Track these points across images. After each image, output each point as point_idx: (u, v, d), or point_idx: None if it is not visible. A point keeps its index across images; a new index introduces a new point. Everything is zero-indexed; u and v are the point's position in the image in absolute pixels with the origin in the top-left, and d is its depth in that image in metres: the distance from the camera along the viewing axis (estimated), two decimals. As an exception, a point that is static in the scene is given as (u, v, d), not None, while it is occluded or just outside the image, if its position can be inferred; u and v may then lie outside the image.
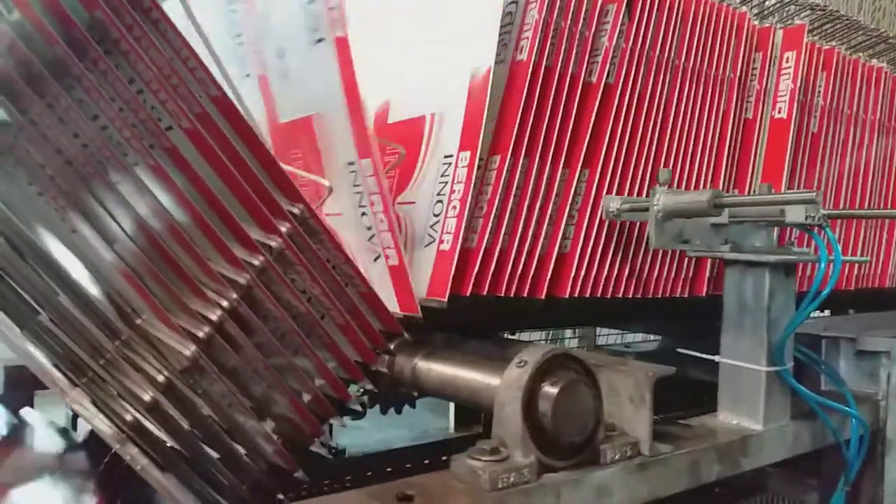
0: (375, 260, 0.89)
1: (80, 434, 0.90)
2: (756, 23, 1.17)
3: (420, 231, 0.93)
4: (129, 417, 0.70)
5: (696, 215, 0.84)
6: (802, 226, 0.82)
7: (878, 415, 1.05)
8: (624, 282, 1.00)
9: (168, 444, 0.71)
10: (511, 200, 0.89)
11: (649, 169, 1.02)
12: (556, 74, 0.91)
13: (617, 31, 0.96)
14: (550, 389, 0.64)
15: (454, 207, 0.88)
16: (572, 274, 0.93)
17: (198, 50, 0.75)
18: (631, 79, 0.99)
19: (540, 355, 0.65)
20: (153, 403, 0.69)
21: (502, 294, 0.88)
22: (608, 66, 0.96)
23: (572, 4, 0.92)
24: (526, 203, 0.90)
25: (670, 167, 1.04)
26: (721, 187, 1.11)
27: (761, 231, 0.93)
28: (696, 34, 1.06)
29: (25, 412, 0.97)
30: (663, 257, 1.04)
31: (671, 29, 1.02)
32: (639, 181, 1.00)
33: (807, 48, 1.18)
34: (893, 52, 1.50)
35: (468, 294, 0.87)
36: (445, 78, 0.93)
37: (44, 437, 0.93)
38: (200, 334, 0.70)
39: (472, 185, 0.86)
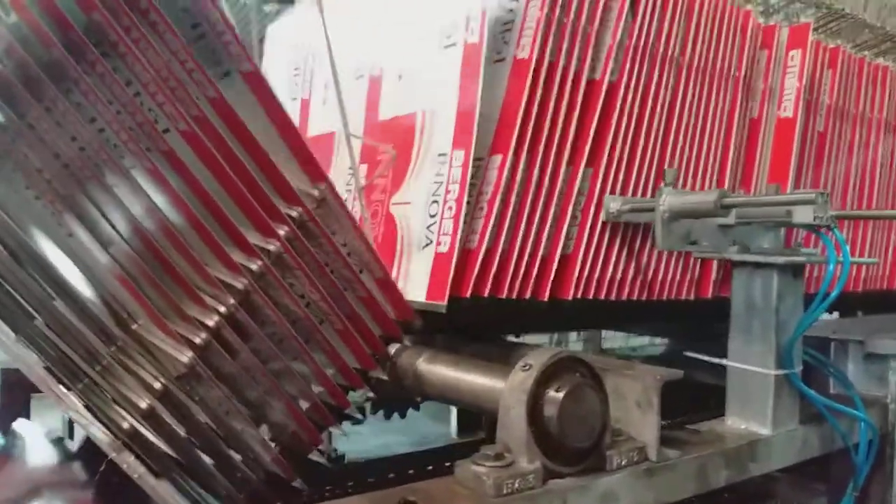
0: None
1: (76, 442, 0.90)
2: (761, 21, 1.18)
3: (417, 232, 0.93)
4: (125, 424, 0.70)
5: (703, 216, 0.84)
6: (810, 227, 0.83)
7: (888, 418, 1.05)
8: (629, 283, 1.00)
9: (164, 452, 0.71)
10: (513, 200, 0.89)
11: (654, 168, 1.02)
12: (559, 72, 0.91)
13: (620, 28, 0.96)
14: (556, 394, 0.65)
15: (450, 208, 0.89)
16: (576, 275, 0.93)
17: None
18: (635, 76, 0.99)
19: (545, 359, 0.65)
20: (149, 410, 0.69)
21: (504, 296, 0.89)
22: (611, 63, 0.96)
23: (575, 1, 0.92)
24: (528, 203, 0.90)
25: (675, 166, 1.04)
26: (726, 187, 1.12)
27: (769, 232, 0.94)
28: (701, 32, 1.06)
29: (19, 424, 0.97)
30: (669, 258, 1.04)
31: (675, 26, 1.02)
32: (643, 180, 1.00)
33: (812, 46, 1.18)
34: (900, 50, 1.51)
35: (469, 296, 0.87)
36: (435, 75, 0.95)
37: (38, 449, 0.93)
38: (197, 340, 0.70)
39: (469, 184, 0.86)
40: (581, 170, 0.94)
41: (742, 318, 0.89)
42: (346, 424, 0.85)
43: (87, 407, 0.75)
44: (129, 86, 0.67)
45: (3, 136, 0.64)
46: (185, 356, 0.69)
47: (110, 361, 0.70)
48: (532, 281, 0.90)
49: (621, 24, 0.96)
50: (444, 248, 0.90)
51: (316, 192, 0.76)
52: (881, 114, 1.37)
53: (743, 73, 1.13)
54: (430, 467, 0.99)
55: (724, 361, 0.89)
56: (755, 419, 0.87)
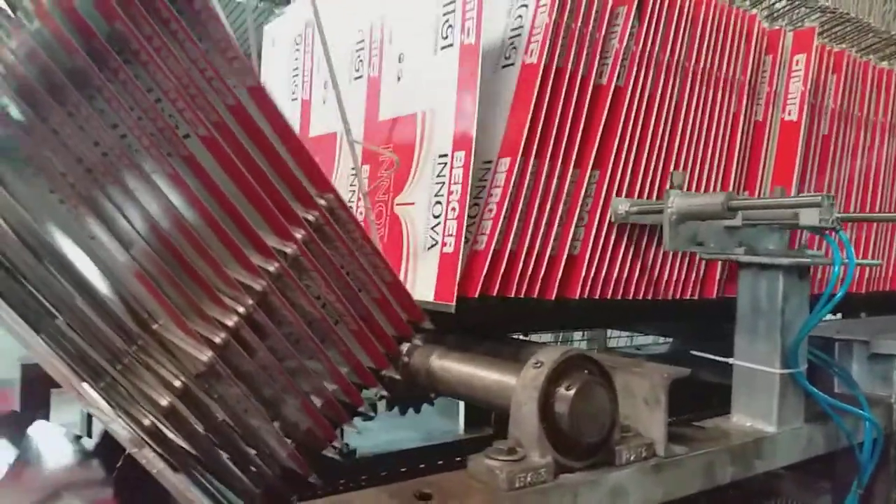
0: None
1: (94, 439, 0.92)
2: (766, 25, 1.20)
3: (422, 233, 0.96)
4: (146, 422, 0.73)
5: (710, 218, 0.86)
6: (816, 229, 0.85)
7: (892, 417, 1.07)
8: (634, 283, 1.02)
9: (184, 448, 0.73)
10: (521, 202, 0.91)
11: (660, 171, 1.04)
12: (567, 76, 0.94)
13: (627, 34, 0.98)
14: (567, 390, 0.67)
15: (454, 209, 0.91)
16: (582, 275, 0.96)
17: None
18: (641, 81, 1.01)
19: (556, 356, 0.67)
20: (170, 408, 0.72)
21: (512, 295, 0.91)
22: (618, 68, 0.98)
23: (582, 7, 0.94)
24: (536, 204, 0.93)
25: (681, 169, 1.06)
26: (731, 190, 1.14)
27: (774, 234, 0.96)
28: (706, 36, 1.09)
29: (37, 427, 0.99)
30: (674, 259, 1.07)
31: (681, 31, 1.05)
32: (649, 183, 1.02)
33: (817, 51, 1.21)
34: (904, 54, 1.53)
35: (477, 296, 0.89)
36: (433, 76, 0.97)
37: (57, 450, 0.95)
38: (217, 340, 0.72)
39: (471, 185, 0.89)
40: (588, 172, 0.96)
41: (748, 317, 0.92)
42: (358, 421, 0.87)
43: (108, 405, 0.78)
44: (151, 92, 0.69)
45: (27, 140, 0.67)
46: (205, 355, 0.72)
47: (131, 360, 0.73)
48: (539, 281, 0.93)
49: (628, 29, 0.98)
50: (449, 249, 0.92)
51: (323, 202, 0.78)
52: (885, 117, 1.40)
53: (748, 77, 1.16)
54: (440, 462, 1.02)
55: (730, 360, 0.92)
56: (761, 417, 0.89)
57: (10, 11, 0.68)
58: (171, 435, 0.73)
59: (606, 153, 0.98)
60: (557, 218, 0.94)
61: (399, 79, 1.09)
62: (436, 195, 0.96)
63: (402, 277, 0.96)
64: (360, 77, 1.17)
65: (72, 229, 0.70)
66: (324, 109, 1.29)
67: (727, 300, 1.10)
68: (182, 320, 0.71)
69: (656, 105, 1.04)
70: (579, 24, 0.94)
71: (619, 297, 1.00)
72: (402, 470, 0.99)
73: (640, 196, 1.01)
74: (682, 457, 0.76)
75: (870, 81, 1.35)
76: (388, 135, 1.09)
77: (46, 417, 0.99)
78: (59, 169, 0.68)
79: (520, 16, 0.97)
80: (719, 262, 1.10)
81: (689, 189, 1.08)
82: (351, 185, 1.16)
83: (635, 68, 1.00)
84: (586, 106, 0.96)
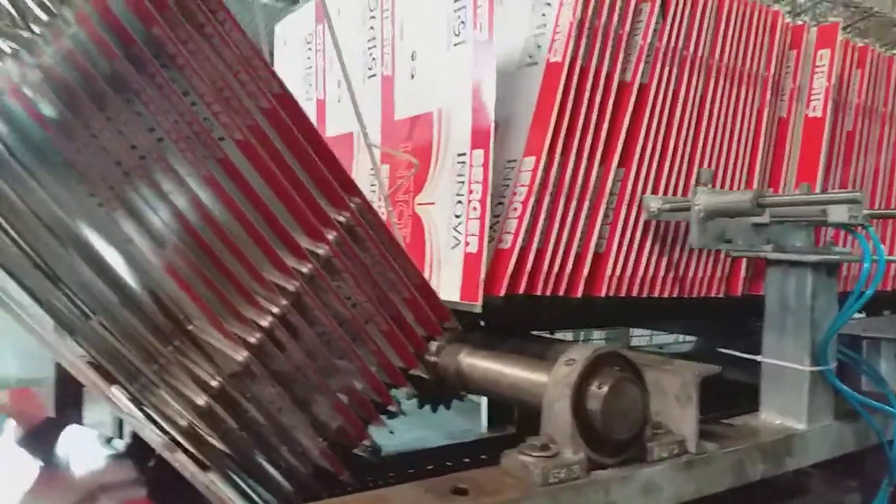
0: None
1: (125, 439, 0.95)
2: (790, 20, 1.21)
3: (444, 233, 0.97)
4: (182, 422, 0.75)
5: (738, 215, 0.87)
6: (845, 226, 0.86)
7: (921, 415, 1.07)
8: (660, 281, 1.03)
9: (220, 448, 0.75)
10: (546, 201, 0.93)
11: (684, 168, 1.05)
12: (591, 74, 0.95)
13: (651, 30, 0.99)
14: (599, 388, 0.68)
15: (475, 209, 0.93)
16: (608, 273, 0.97)
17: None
18: (665, 77, 1.02)
19: (588, 354, 0.69)
20: (206, 408, 0.74)
21: (538, 293, 0.92)
22: (642, 65, 0.99)
23: (606, 4, 0.95)
24: (561, 202, 0.94)
25: (705, 166, 1.07)
26: (755, 186, 1.15)
27: (801, 231, 0.97)
28: (730, 32, 1.10)
29: (69, 429, 1.01)
30: (700, 257, 1.08)
31: (705, 27, 1.06)
32: (674, 180, 1.04)
33: (841, 46, 1.21)
34: (928, 47, 1.52)
35: (502, 294, 0.90)
36: (447, 74, 0.99)
37: (88, 453, 0.97)
38: (252, 340, 0.74)
39: (494, 184, 0.90)
40: (613, 170, 0.97)
41: (776, 315, 0.93)
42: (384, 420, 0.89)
43: (142, 406, 0.80)
44: (187, 96, 0.71)
45: (68, 144, 0.69)
46: (241, 355, 0.74)
47: (167, 361, 0.75)
48: (565, 279, 0.94)
49: (652, 26, 0.99)
50: (472, 249, 0.93)
51: (353, 204, 0.80)
52: (910, 112, 1.40)
53: (772, 73, 1.17)
54: (466, 460, 1.03)
55: (759, 358, 0.93)
56: (790, 414, 0.90)
57: (49, 17, 0.70)
58: (206, 435, 0.75)
59: (631, 150, 0.99)
60: (583, 216, 0.95)
61: (413, 77, 1.10)
62: (456, 195, 0.97)
63: (426, 277, 0.97)
64: (373, 76, 1.18)
65: (109, 232, 0.72)
66: (339, 109, 1.31)
67: (753, 298, 1.11)
68: (218, 321, 0.73)
69: (681, 101, 1.05)
70: (603, 21, 0.95)
71: (645, 296, 1.01)
72: (429, 468, 1.00)
73: (665, 193, 1.02)
74: (713, 453, 0.77)
75: (894, 76, 1.35)
76: (404, 134, 1.10)
77: (79, 417, 1.01)
78: (98, 172, 0.70)
79: (543, 14, 0.98)
80: (744, 260, 1.11)
81: (712, 186, 1.09)
82: (371, 186, 1.18)
83: (659, 65, 1.01)
84: (611, 103, 0.97)
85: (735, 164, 1.13)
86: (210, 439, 0.75)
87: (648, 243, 1.01)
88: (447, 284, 0.97)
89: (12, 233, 0.73)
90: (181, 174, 0.71)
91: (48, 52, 0.69)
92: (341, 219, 0.80)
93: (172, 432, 0.77)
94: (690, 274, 1.08)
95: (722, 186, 1.11)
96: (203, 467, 0.77)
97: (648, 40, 1.00)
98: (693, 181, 1.03)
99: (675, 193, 1.04)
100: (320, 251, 0.78)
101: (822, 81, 1.18)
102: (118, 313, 0.73)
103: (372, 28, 1.19)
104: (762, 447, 0.83)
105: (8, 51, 0.69)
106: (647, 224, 1.00)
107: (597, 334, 2.03)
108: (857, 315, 1.33)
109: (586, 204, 0.96)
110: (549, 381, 0.70)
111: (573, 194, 0.95)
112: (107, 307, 0.74)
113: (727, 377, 0.99)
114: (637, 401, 0.71)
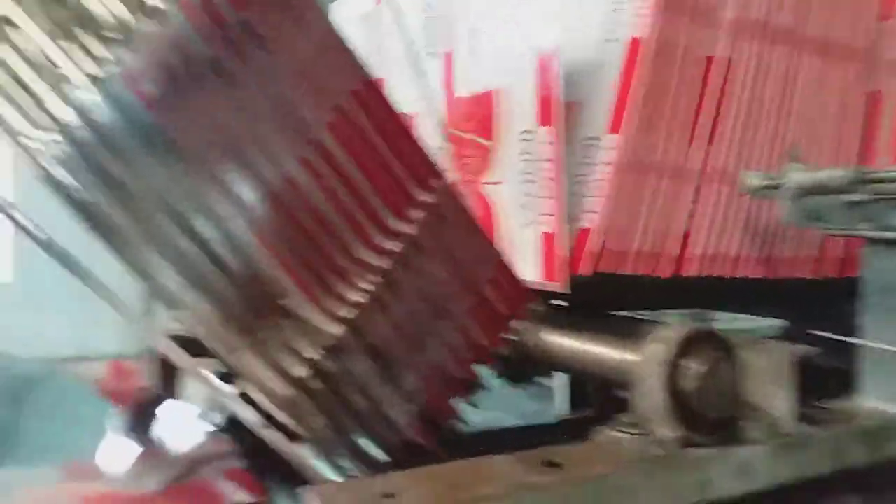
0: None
1: (221, 414, 0.99)
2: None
3: (514, 213, 0.98)
4: (281, 393, 0.78)
5: (835, 192, 0.84)
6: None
7: None
8: (749, 261, 1.01)
9: (317, 421, 0.78)
10: (630, 178, 0.92)
11: (773, 144, 1.02)
12: (676, 49, 0.93)
13: (737, 3, 0.97)
14: (693, 365, 0.68)
15: (547, 188, 0.92)
16: (696, 252, 0.96)
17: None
18: (751, 51, 1.00)
19: (681, 331, 0.68)
20: (302, 381, 0.77)
21: (622, 273, 0.92)
22: (728, 39, 0.97)
23: (690, -24, 0.93)
24: (647, 181, 0.93)
25: (793, 141, 1.04)
26: (846, 162, 1.10)
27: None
28: (820, 2, 1.05)
29: (166, 404, 1.06)
30: (792, 236, 1.05)
31: (792, -2, 1.02)
32: (763, 156, 1.01)
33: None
34: None
35: (586, 274, 0.90)
36: (510, 50, 0.98)
37: (186, 427, 1.02)
38: (346, 315, 0.77)
39: (571, 162, 0.90)
40: (699, 147, 0.96)
41: (876, 296, 0.89)
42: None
43: (238, 380, 0.85)
44: (279, 79, 0.74)
45: (172, 126, 0.73)
46: (335, 329, 0.77)
47: (265, 335, 0.78)
48: (651, 258, 0.93)
49: (738, -1, 0.97)
50: (548, 229, 0.94)
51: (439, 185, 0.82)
52: None
53: (863, 45, 1.11)
54: (546, 440, 1.04)
55: (858, 341, 0.89)
56: (891, 399, 0.87)
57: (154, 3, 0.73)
58: (303, 406, 0.78)
59: (718, 126, 0.97)
60: (669, 194, 0.94)
61: (472, 54, 1.10)
62: (524, 173, 0.97)
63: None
64: (432, 53, 1.19)
65: (209, 211, 0.76)
66: (402, 89, 1.29)
67: (844, 279, 1.07)
68: (313, 296, 0.76)
69: (768, 76, 1.02)
70: (688, -7, 0.93)
71: (733, 276, 0.99)
72: (511, 447, 1.01)
73: (752, 170, 1.00)
74: (811, 436, 0.75)
75: None
76: (466, 112, 1.11)
77: (176, 392, 1.07)
78: (199, 153, 0.74)
79: (624, -11, 0.97)
80: (838, 240, 1.07)
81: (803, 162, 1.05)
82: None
83: (746, 39, 0.99)
84: (696, 79, 0.95)
85: (824, 139, 1.09)
86: (306, 411, 0.79)
87: (738, 221, 0.99)
88: (523, 264, 0.97)
89: (121, 212, 0.78)
90: (276, 155, 0.74)
91: (153, 38, 0.72)
92: (427, 199, 0.82)
93: (269, 405, 0.81)
94: (779, 254, 1.05)
95: (811, 163, 1.07)
96: (296, 439, 0.81)
97: (734, 13, 0.97)
98: (782, 158, 1.00)
99: (763, 170, 1.01)
100: (408, 230, 0.80)
101: (921, 52, 1.12)
102: (218, 289, 0.77)
103: (430, 5, 1.20)
104: (864, 430, 0.80)
105: (116, 37, 0.73)
106: (737, 202, 0.98)
107: (672, 318, 1.99)
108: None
109: (672, 181, 0.94)
110: (640, 358, 0.70)
111: (658, 172, 0.94)
112: (206, 283, 0.77)
113: (816, 361, 0.97)
114: (731, 380, 0.70)
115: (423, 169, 0.81)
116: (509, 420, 1.59)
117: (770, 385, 0.74)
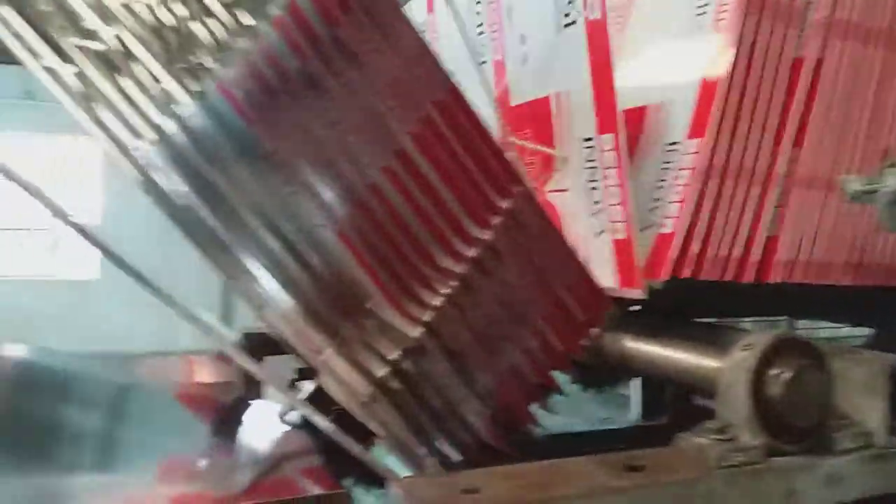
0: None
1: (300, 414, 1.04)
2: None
3: (585, 220, 0.99)
4: (362, 393, 0.83)
5: (934, 196, 0.82)
6: None
7: None
8: (838, 268, 0.99)
9: (396, 420, 0.82)
10: (712, 183, 0.92)
11: (866, 147, 1.00)
12: (763, 50, 0.93)
13: (826, 3, 0.96)
14: (779, 373, 0.68)
15: (613, 195, 0.93)
16: (781, 258, 0.95)
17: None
18: (842, 51, 0.98)
19: (768, 339, 0.69)
20: (383, 381, 0.81)
21: (703, 278, 0.92)
22: (818, 38, 0.96)
23: (776, -24, 0.93)
24: (729, 185, 0.93)
25: (886, 145, 1.02)
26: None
27: None
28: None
29: (247, 404, 1.12)
30: (884, 242, 1.02)
31: (886, -3, 1.00)
32: (856, 160, 0.99)
33: None
34: None
35: (664, 279, 0.91)
36: (560, 56, 0.98)
37: (265, 424, 1.08)
38: (425, 318, 0.81)
39: (625, 168, 0.91)
40: (787, 150, 0.95)
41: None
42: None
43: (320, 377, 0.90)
44: (367, 92, 0.79)
45: (267, 137, 0.78)
46: (415, 332, 0.80)
47: (348, 335, 0.83)
48: (734, 263, 0.93)
49: (827, -2, 0.95)
50: (621, 235, 0.95)
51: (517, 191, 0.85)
52: None
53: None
54: (621, 446, 1.05)
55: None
56: None
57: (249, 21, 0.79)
58: (383, 404, 0.82)
59: (805, 129, 0.96)
60: (753, 198, 0.94)
61: (525, 61, 1.11)
62: (589, 181, 0.98)
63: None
64: (484, 62, 1.20)
65: (297, 216, 0.81)
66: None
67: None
68: (394, 300, 0.80)
69: (859, 76, 1.00)
70: (774, -7, 0.93)
71: (821, 283, 0.98)
72: (585, 451, 1.03)
73: (843, 174, 0.98)
74: (906, 449, 0.74)
75: None
76: (522, 120, 1.12)
77: (259, 393, 1.13)
78: (292, 162, 0.79)
79: (708, -9, 0.97)
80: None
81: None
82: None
83: (835, 39, 0.97)
84: (783, 80, 0.95)
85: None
86: (385, 410, 0.83)
87: (826, 226, 0.97)
88: (598, 271, 0.98)
89: (215, 216, 0.84)
90: (361, 164, 0.79)
91: (248, 54, 0.78)
92: (505, 205, 0.85)
93: (348, 404, 0.86)
94: (870, 260, 1.02)
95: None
96: (368, 441, 0.85)
97: (824, 13, 0.96)
98: (878, 161, 0.98)
99: (855, 174, 0.99)
100: (486, 236, 0.83)
101: None
102: (304, 290, 0.82)
103: (478, 13, 1.22)
104: (962, 445, 0.78)
105: (215, 55, 0.80)
106: (825, 206, 0.96)
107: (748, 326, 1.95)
108: None
109: (756, 185, 0.94)
110: (725, 365, 0.70)
111: (743, 176, 0.93)
112: (294, 285, 0.83)
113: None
114: (820, 389, 0.70)
115: (503, 175, 0.84)
116: (579, 427, 1.60)
117: (862, 395, 0.74)
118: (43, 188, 0.76)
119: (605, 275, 0.98)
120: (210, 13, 0.78)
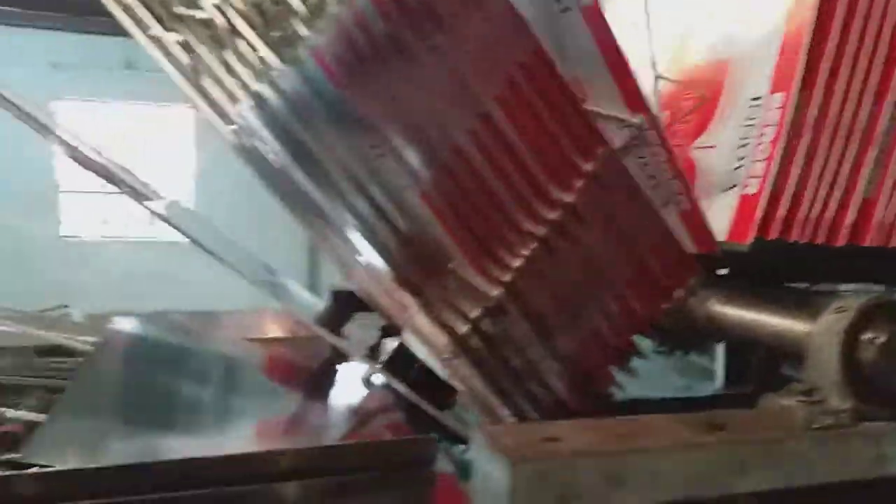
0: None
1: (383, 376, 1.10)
2: None
3: (721, 175, 0.98)
4: (444, 348, 0.87)
5: None
6: None
7: None
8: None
9: (476, 376, 0.86)
10: (802, 141, 0.90)
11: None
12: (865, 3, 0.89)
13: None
14: (872, 337, 0.68)
15: (763, 151, 0.92)
16: (878, 220, 0.92)
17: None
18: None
19: (862, 302, 0.69)
20: (465, 338, 0.85)
21: (793, 240, 0.91)
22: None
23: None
24: (822, 144, 0.91)
25: None
26: None
27: None
28: None
29: (337, 369, 1.19)
30: None
31: None
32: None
33: None
34: None
35: (752, 241, 0.91)
36: (745, 19, 0.97)
37: (351, 383, 1.14)
38: (505, 279, 0.84)
39: (786, 127, 0.90)
40: (888, 108, 0.92)
41: None
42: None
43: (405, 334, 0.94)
44: (453, 55, 0.81)
45: (357, 101, 0.82)
46: (495, 292, 0.84)
47: (431, 294, 0.87)
48: (826, 225, 0.91)
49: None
50: (752, 190, 0.94)
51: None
52: None
53: None
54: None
55: None
56: None
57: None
58: (463, 363, 0.86)
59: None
60: (849, 158, 0.91)
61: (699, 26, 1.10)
62: (742, 138, 0.97)
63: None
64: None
65: (386, 180, 0.85)
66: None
67: None
68: (476, 259, 0.84)
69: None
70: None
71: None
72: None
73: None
74: None
75: None
76: (692, 81, 1.11)
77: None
78: (380, 125, 0.82)
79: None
80: None
81: None
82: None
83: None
84: (884, 31, 0.91)
85: None
86: (466, 367, 0.87)
87: (928, 189, 0.94)
88: (716, 225, 0.97)
89: (305, 178, 0.89)
90: (447, 127, 0.82)
91: (339, 19, 0.82)
92: (588, 167, 0.86)
93: (430, 360, 0.90)
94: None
95: None
96: (446, 401, 0.89)
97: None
98: None
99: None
100: (568, 199, 0.85)
101: None
102: (390, 250, 0.86)
103: None
104: None
105: (308, 23, 0.84)
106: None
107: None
108: None
109: (852, 144, 0.92)
110: (815, 328, 0.71)
111: (837, 134, 0.91)
112: (381, 245, 0.87)
113: None
114: (915, 354, 0.69)
115: (587, 136, 0.85)
116: (654, 393, 1.61)
117: (961, 362, 0.72)
118: (141, 156, 0.83)
119: (722, 229, 0.98)
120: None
